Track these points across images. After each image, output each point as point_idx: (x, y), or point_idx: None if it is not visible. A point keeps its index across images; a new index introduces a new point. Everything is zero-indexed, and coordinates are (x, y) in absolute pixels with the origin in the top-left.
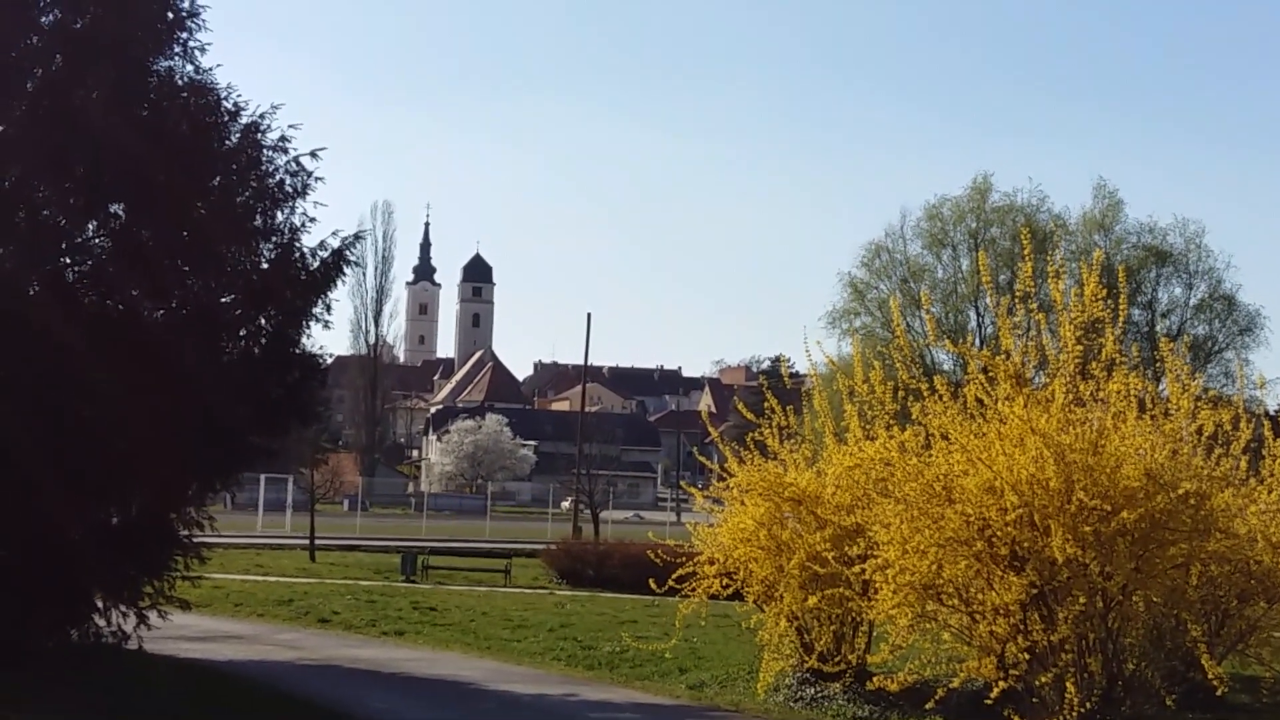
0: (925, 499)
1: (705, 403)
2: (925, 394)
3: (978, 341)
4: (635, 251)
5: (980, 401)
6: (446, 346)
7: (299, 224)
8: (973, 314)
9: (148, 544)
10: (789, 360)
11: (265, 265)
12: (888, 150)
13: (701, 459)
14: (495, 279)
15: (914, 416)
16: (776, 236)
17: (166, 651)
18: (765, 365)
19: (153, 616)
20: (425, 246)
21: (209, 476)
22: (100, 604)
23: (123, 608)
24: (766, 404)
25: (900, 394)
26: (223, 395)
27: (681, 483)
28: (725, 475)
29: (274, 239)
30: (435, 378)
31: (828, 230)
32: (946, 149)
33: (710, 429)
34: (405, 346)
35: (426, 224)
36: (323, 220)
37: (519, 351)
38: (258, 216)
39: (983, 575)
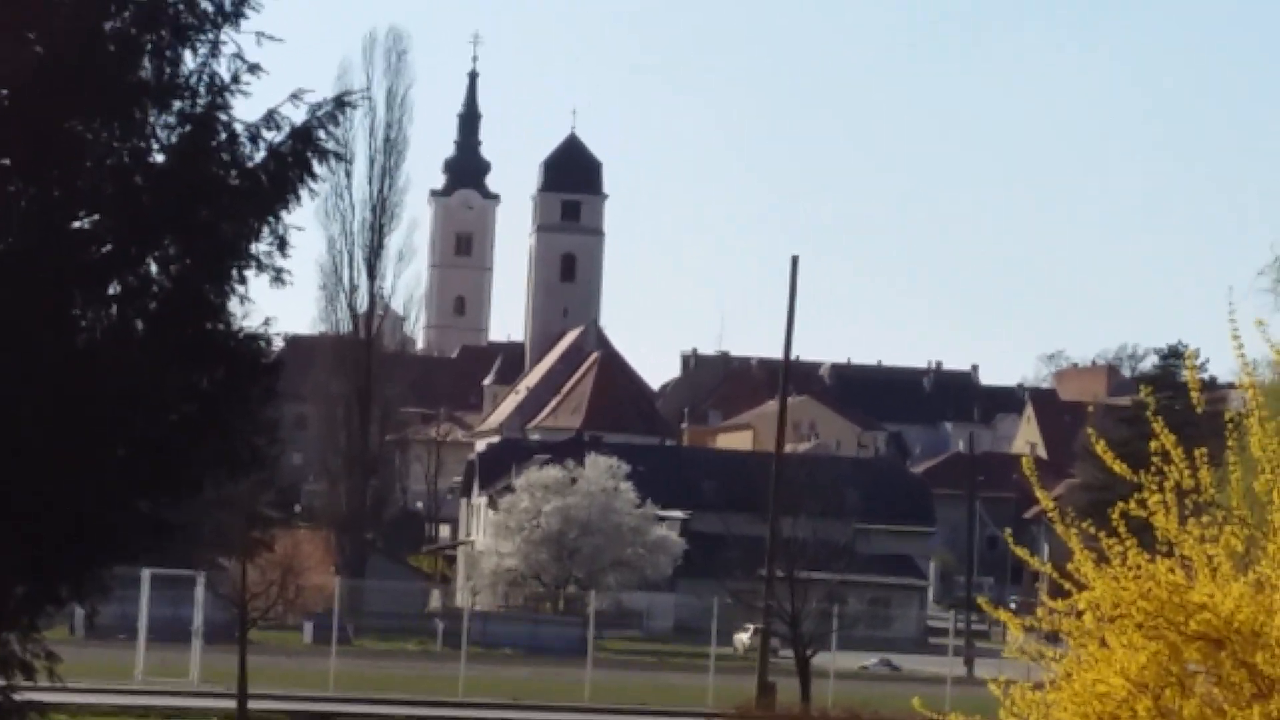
0: None
1: (1025, 436)
2: None
3: None
4: (859, 160)
5: None
6: (508, 320)
7: (228, 78)
8: None
9: None
10: (1196, 355)
11: (160, 156)
12: None
13: (1019, 550)
14: (606, 188)
15: None
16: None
17: None
18: (1149, 364)
19: None
20: (469, 120)
21: (44, 576)
22: None
23: None
24: (1153, 440)
25: None
26: (71, 415)
27: (978, 600)
28: (1066, 585)
29: (178, 104)
30: (486, 382)
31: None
32: None
33: (1037, 491)
34: (427, 319)
35: (472, 77)
36: (276, 72)
37: (649, 334)
38: (145, 59)
39: None
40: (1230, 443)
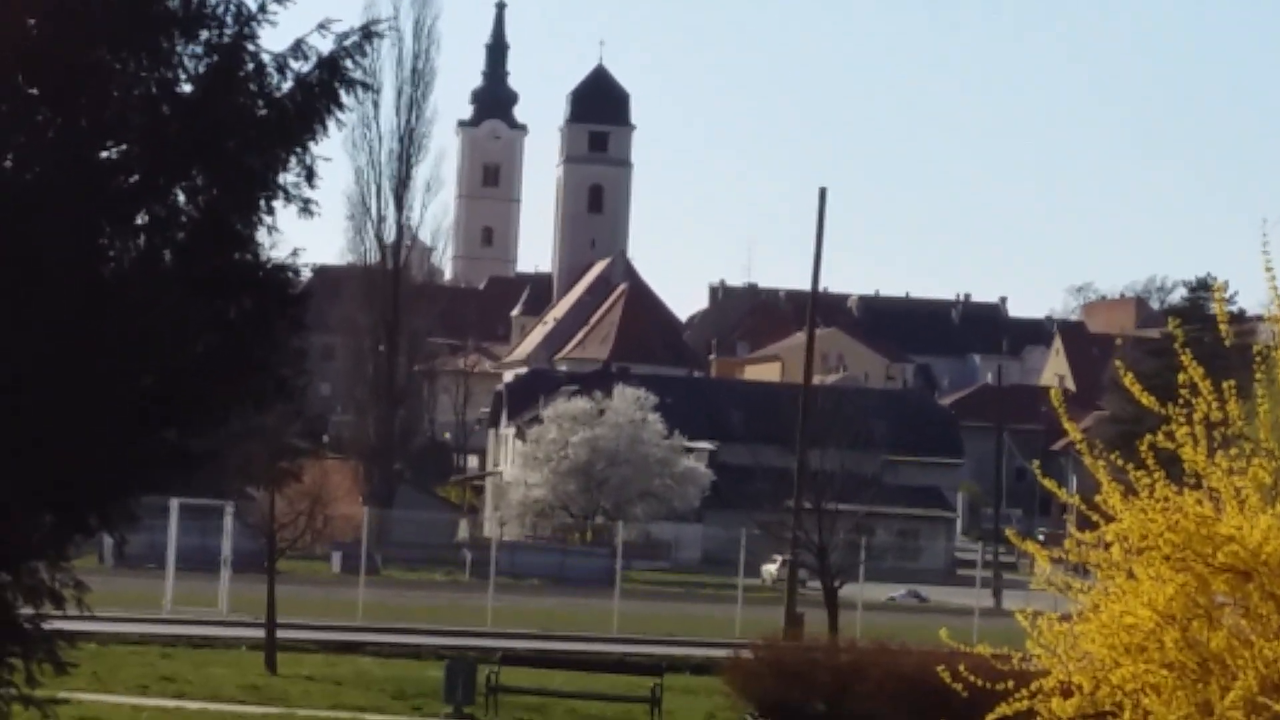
0: None
1: (1054, 369)
2: None
3: None
4: (888, 88)
5: None
6: (536, 251)
7: (255, 7)
8: None
9: None
10: (1225, 287)
11: (187, 87)
12: None
13: (1046, 482)
14: (633, 119)
15: None
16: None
17: None
18: (1178, 296)
19: None
20: (496, 51)
21: (71, 505)
22: None
23: None
24: (1181, 373)
25: None
26: (98, 345)
27: (1006, 531)
28: (1094, 517)
29: (205, 34)
30: (514, 313)
31: None
32: None
33: (1065, 423)
34: (455, 250)
35: (500, 7)
36: (302, 3)
37: (677, 265)
38: None
39: None
40: (1259, 375)
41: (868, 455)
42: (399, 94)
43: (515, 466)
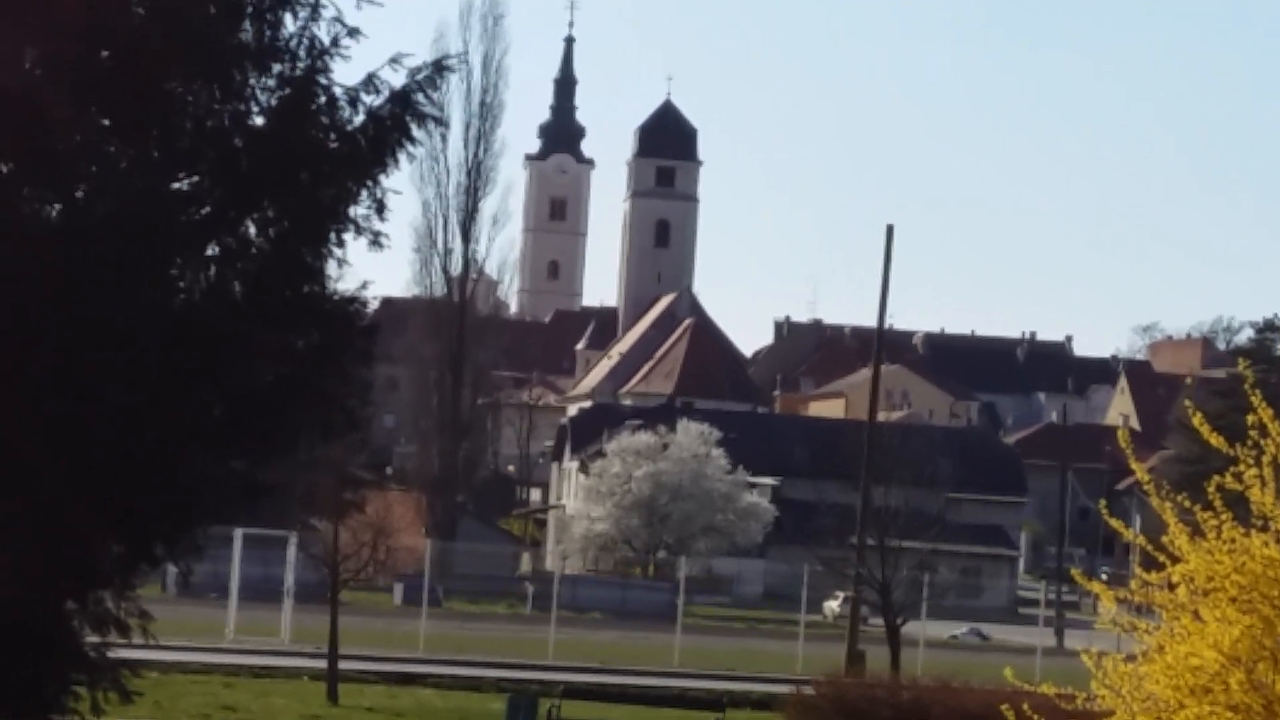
0: None
1: (1119, 408)
2: None
3: None
4: (955, 125)
5: None
6: (601, 286)
7: (327, 41)
8: None
9: (15, 663)
10: None
11: (260, 119)
12: None
13: (1113, 523)
14: (700, 155)
15: None
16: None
17: None
18: (1245, 337)
19: None
20: (564, 85)
21: (139, 535)
22: None
23: None
24: (1250, 413)
25: None
26: (168, 375)
27: (1070, 570)
28: (1161, 558)
29: (278, 67)
30: (579, 346)
31: None
32: None
33: (1133, 463)
34: (521, 283)
35: (568, 42)
36: (374, 37)
37: (742, 301)
38: (246, 22)
39: None
40: None
41: (931, 493)
42: (467, 127)
43: (578, 500)
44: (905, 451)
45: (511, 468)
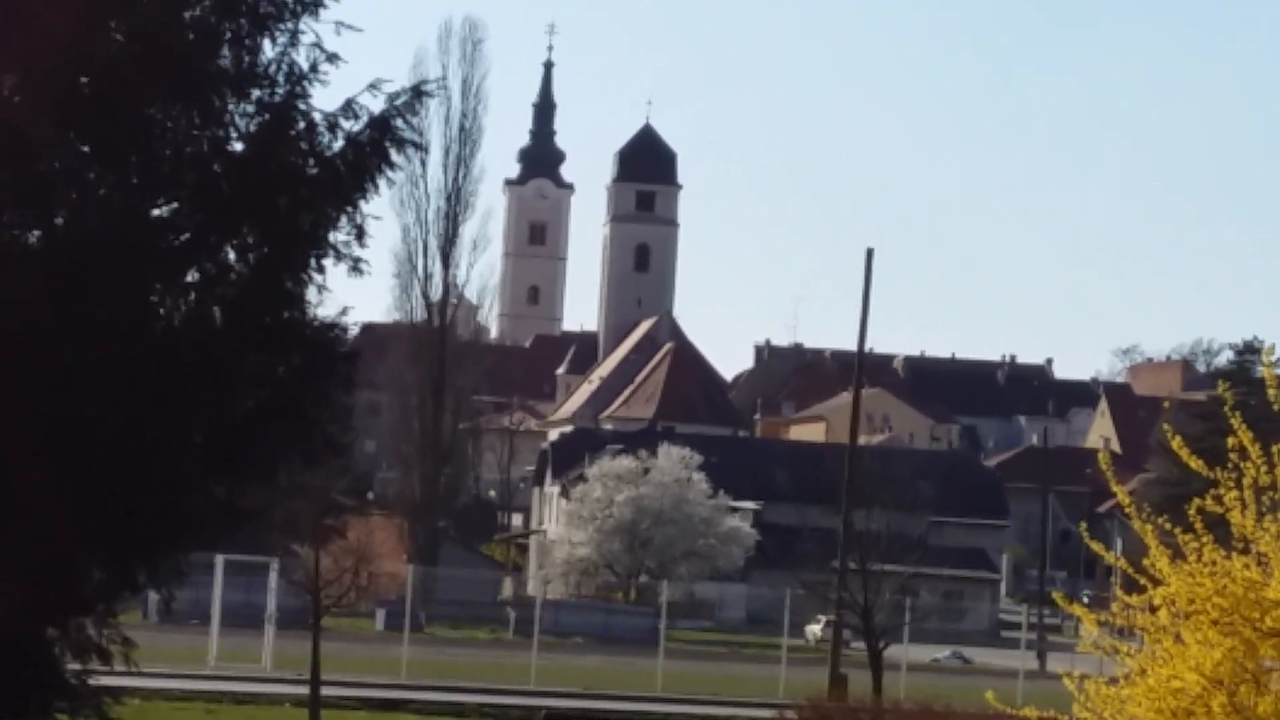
0: None
1: (1099, 431)
2: None
3: None
4: (934, 148)
5: None
6: (582, 310)
7: (306, 67)
8: None
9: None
10: (1273, 350)
11: (239, 145)
12: None
13: (1094, 546)
14: (680, 179)
15: None
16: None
17: None
18: (1225, 359)
19: None
20: (544, 110)
21: (121, 561)
22: None
23: None
24: (1230, 436)
25: None
26: (148, 401)
27: (1052, 594)
28: (1143, 581)
29: (257, 93)
30: (560, 371)
31: None
32: None
33: (1114, 486)
34: (501, 308)
35: (547, 66)
36: (353, 62)
37: (722, 325)
38: (225, 48)
39: None
40: None
41: (913, 516)
42: (446, 152)
43: (560, 525)
44: (887, 475)
45: (493, 493)
